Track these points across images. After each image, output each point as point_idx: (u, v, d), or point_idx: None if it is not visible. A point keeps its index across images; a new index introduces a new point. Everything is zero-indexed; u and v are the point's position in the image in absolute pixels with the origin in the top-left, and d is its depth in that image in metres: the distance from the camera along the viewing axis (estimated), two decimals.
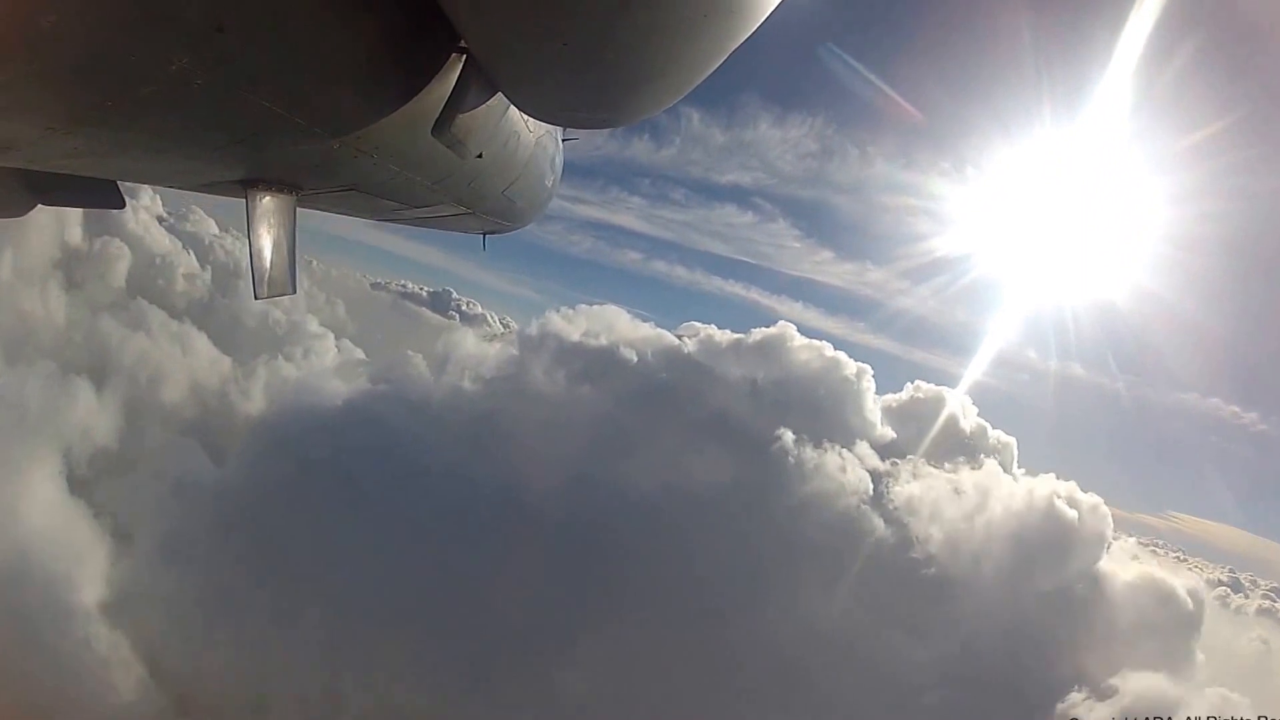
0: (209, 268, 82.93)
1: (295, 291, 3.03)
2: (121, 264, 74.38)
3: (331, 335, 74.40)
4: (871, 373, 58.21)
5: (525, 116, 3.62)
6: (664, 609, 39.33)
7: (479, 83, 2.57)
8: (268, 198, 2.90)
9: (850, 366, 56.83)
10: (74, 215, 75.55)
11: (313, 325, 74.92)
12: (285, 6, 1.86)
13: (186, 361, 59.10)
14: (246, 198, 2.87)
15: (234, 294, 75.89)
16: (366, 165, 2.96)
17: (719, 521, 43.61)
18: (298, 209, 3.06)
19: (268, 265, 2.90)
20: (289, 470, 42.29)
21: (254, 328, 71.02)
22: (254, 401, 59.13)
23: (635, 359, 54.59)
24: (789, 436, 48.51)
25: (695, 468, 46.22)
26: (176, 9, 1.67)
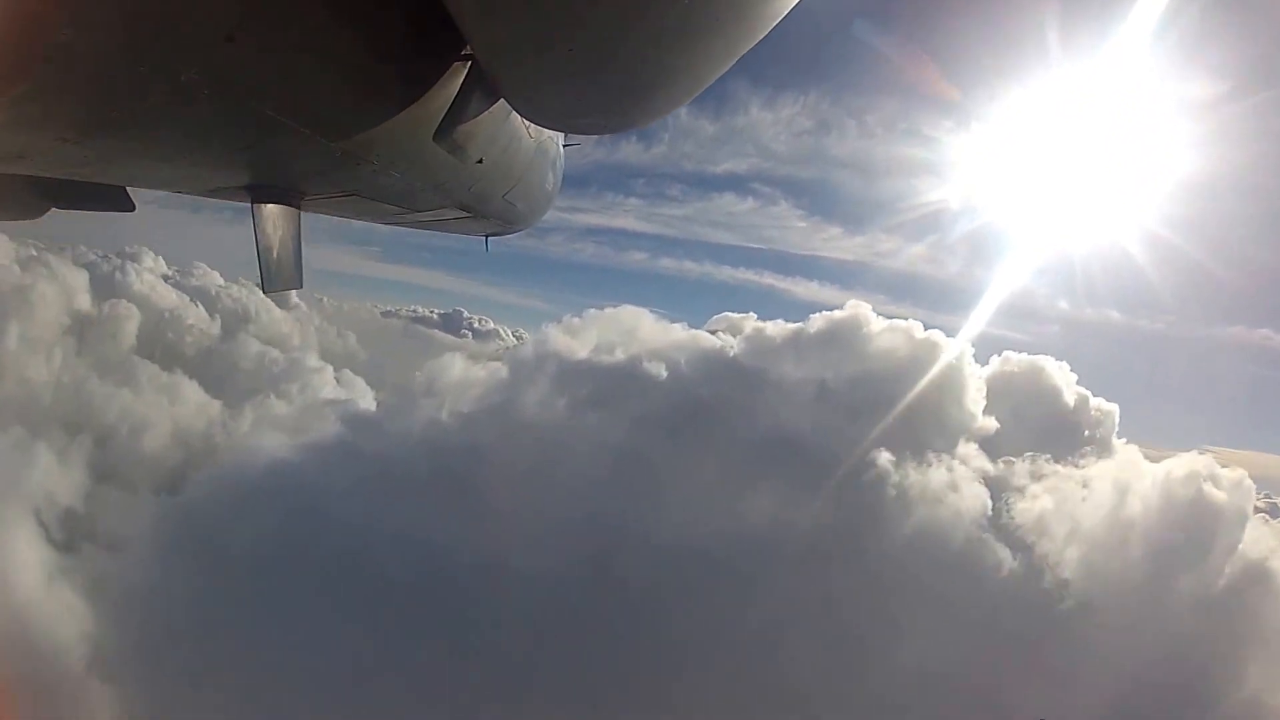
0: (218, 317, 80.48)
1: (302, 286, 3.10)
2: (130, 323, 72.22)
3: (330, 368, 70.31)
4: (972, 350, 46.80)
5: (527, 121, 3.62)
6: (725, 704, 29.33)
7: (482, 90, 2.60)
8: (272, 203, 2.97)
9: (948, 347, 44.96)
10: (81, 283, 75.91)
11: (311, 360, 70.32)
12: (293, 17, 1.89)
13: (173, 410, 54.38)
14: (252, 202, 2.93)
15: (241, 336, 73.06)
16: (369, 171, 2.95)
17: (794, 579, 32.88)
18: (302, 211, 3.12)
19: (275, 262, 2.99)
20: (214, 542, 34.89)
21: (250, 369, 66.25)
22: (235, 442, 53.68)
23: (664, 372, 44.16)
24: (883, 457, 37.25)
25: (754, 508, 35.61)
26: (187, 21, 1.69)
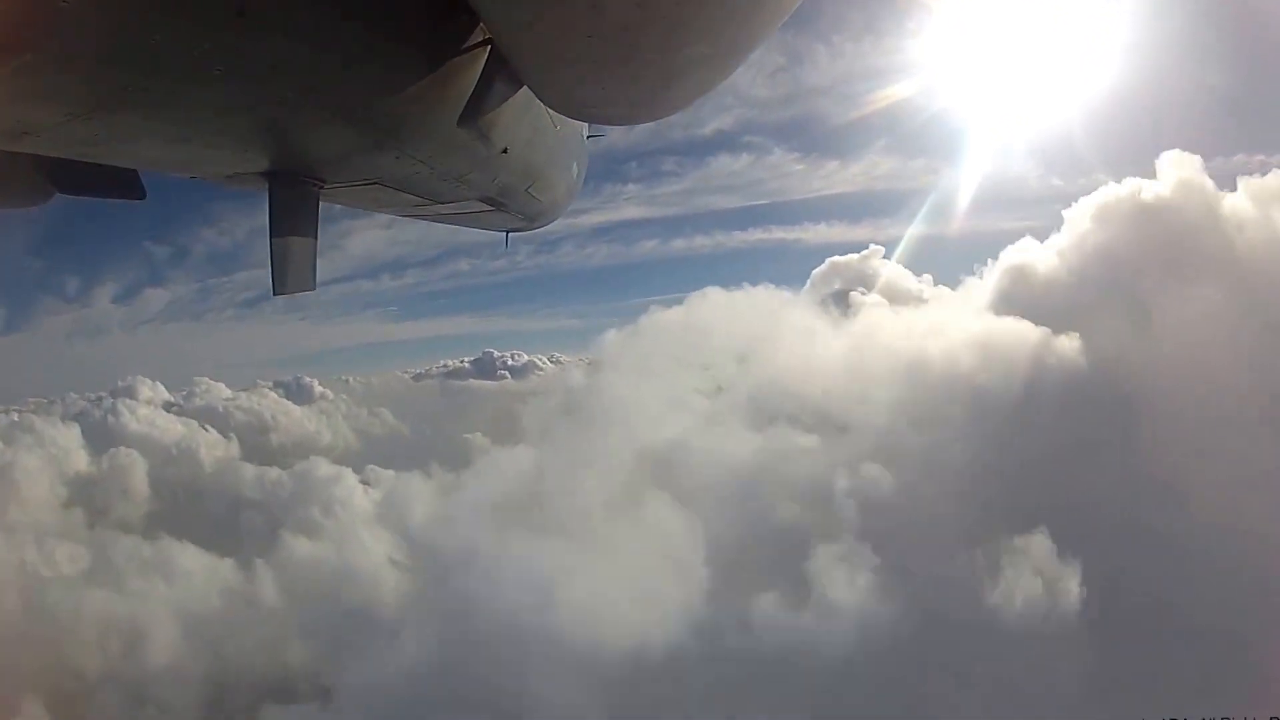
0: (232, 435, 70.39)
1: (315, 288, 2.99)
2: (138, 471, 62.80)
3: (350, 470, 55.28)
4: None
5: (551, 111, 3.37)
6: None
7: (504, 76, 2.50)
8: (290, 189, 2.82)
9: None
10: (73, 439, 66.42)
11: (322, 468, 55.94)
12: None
13: (172, 593, 41.82)
14: (269, 188, 2.78)
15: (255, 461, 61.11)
16: (390, 158, 2.85)
17: None
18: (321, 202, 2.97)
19: (289, 259, 2.84)
20: None
21: (259, 499, 53.56)
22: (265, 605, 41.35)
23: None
24: None
25: None
26: None
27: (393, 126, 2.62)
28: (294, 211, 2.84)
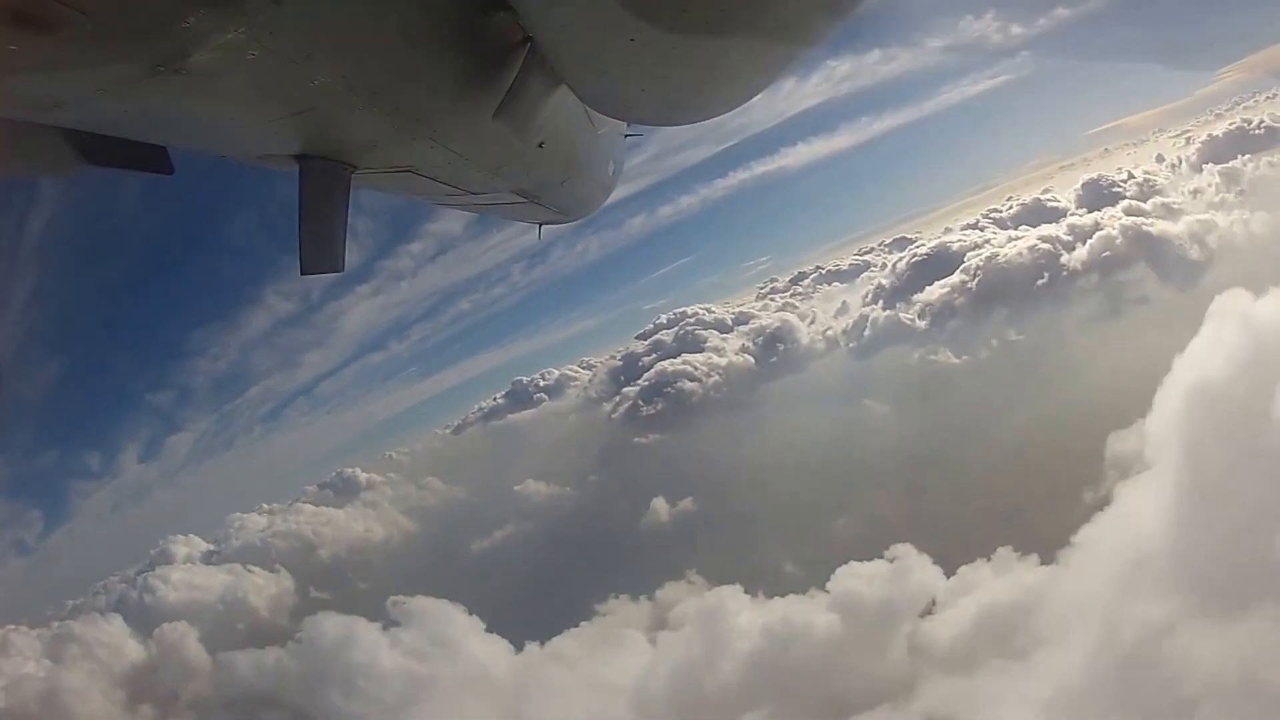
0: (278, 567, 62.59)
1: (343, 269, 2.98)
2: (189, 643, 55.65)
3: (362, 621, 42.87)
4: None
5: (590, 109, 3.44)
6: None
7: (542, 73, 2.51)
8: (321, 173, 2.78)
9: None
10: (118, 631, 59.68)
11: (332, 622, 43.82)
12: None
13: None
14: (300, 171, 2.75)
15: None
16: (424, 147, 2.85)
17: None
18: (353, 188, 2.94)
19: (317, 240, 2.84)
20: None
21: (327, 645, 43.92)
22: None
23: None
24: None
25: None
26: None
27: (427, 117, 2.65)
28: (324, 195, 2.80)
